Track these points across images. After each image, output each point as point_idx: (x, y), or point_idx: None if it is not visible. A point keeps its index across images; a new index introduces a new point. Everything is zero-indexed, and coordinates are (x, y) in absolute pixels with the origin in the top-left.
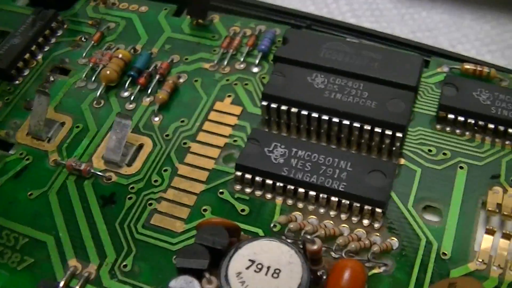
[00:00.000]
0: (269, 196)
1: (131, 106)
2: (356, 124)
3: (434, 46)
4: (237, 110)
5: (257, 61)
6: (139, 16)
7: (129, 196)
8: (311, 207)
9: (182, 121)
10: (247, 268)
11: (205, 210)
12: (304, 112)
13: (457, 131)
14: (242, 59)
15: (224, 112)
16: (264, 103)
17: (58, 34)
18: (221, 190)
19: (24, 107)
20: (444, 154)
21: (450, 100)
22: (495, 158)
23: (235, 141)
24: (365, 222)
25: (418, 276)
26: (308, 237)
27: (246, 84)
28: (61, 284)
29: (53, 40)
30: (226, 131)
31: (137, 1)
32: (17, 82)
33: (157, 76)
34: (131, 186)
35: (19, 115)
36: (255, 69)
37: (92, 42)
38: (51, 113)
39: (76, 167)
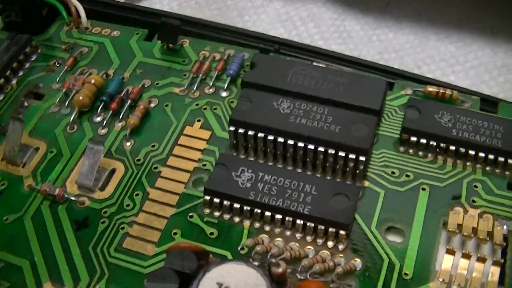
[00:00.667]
0: (237, 219)
1: (104, 131)
2: (321, 149)
3: (400, 68)
4: (206, 134)
5: (225, 86)
6: (111, 40)
7: (102, 220)
8: (277, 230)
9: (153, 146)
10: None
11: (175, 233)
12: (271, 137)
13: (420, 153)
14: (211, 84)
15: (193, 137)
16: (232, 128)
17: (32, 59)
18: (190, 214)
19: None
20: (407, 176)
21: (412, 123)
22: (456, 179)
23: (204, 165)
24: (330, 244)
25: None
26: (273, 260)
27: (215, 109)
28: None
29: (27, 65)
30: (196, 155)
31: (110, 25)
32: None
33: (129, 101)
34: (104, 210)
35: None
36: (224, 94)
37: (66, 67)
38: (26, 138)
39: (50, 192)
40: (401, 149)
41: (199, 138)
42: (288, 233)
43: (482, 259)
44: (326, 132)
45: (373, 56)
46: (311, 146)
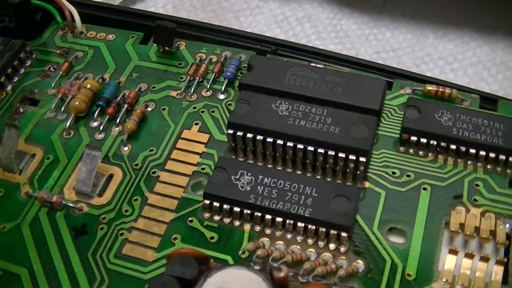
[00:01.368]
0: (237, 223)
1: (101, 136)
2: (320, 150)
3: (398, 66)
4: (204, 137)
5: (223, 88)
6: (107, 44)
7: (100, 226)
8: (278, 233)
9: (151, 150)
10: None
11: (175, 238)
12: (269, 140)
13: (420, 152)
14: (208, 86)
15: (191, 140)
16: (230, 131)
17: (27, 64)
18: (190, 219)
19: None
20: (408, 176)
21: (412, 122)
22: (457, 178)
23: (203, 169)
24: (332, 246)
25: None
26: (275, 265)
27: (213, 112)
28: None
29: (22, 71)
30: (194, 159)
31: (105, 29)
32: None
33: (125, 106)
34: (103, 216)
35: None
36: (221, 96)
37: (61, 72)
38: (22, 145)
39: (48, 199)
40: (401, 149)
41: (197, 142)
42: (289, 236)
43: (485, 259)
44: (325, 133)
45: (370, 56)
46: (310, 148)
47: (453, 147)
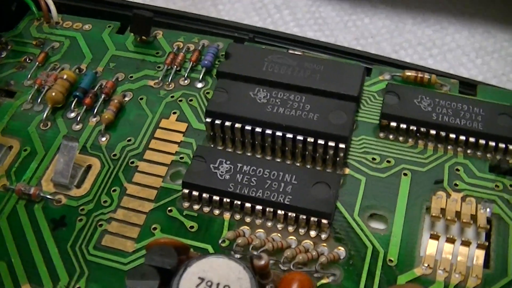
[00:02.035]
0: (217, 212)
1: (78, 127)
2: (300, 137)
3: (377, 53)
4: (183, 126)
5: (200, 77)
6: (83, 34)
7: (79, 218)
8: (258, 221)
9: (129, 140)
10: (197, 286)
11: (154, 228)
12: (248, 127)
13: (400, 138)
14: (186, 75)
15: (170, 130)
16: (208, 119)
17: (2, 56)
18: (169, 208)
19: None
20: (388, 161)
21: (391, 108)
22: (438, 163)
23: (181, 158)
24: (312, 233)
25: (366, 284)
26: (255, 253)
27: (191, 100)
28: None
29: None
30: (173, 148)
31: (81, 19)
32: None
33: (103, 96)
34: (81, 207)
35: None
36: (199, 85)
37: (37, 63)
38: None
39: (26, 192)
40: (381, 135)
41: (176, 131)
42: (269, 224)
43: (466, 243)
44: (304, 120)
45: (349, 42)
46: (289, 135)
47: (433, 132)
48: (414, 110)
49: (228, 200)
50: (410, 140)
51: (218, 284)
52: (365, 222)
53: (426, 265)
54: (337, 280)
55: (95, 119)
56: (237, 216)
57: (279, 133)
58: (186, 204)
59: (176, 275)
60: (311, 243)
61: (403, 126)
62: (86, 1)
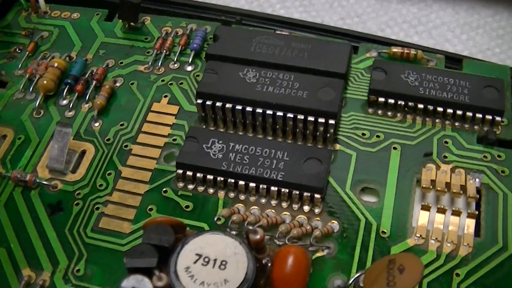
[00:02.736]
0: (211, 191)
1: (71, 114)
2: (290, 115)
3: (363, 31)
4: (174, 109)
5: (190, 60)
6: (72, 23)
7: (76, 202)
8: (252, 198)
9: (122, 125)
10: (195, 262)
11: (150, 209)
12: (239, 107)
13: (389, 113)
14: (175, 59)
15: (161, 113)
16: (199, 101)
17: None
18: (164, 189)
19: None
20: (378, 136)
21: (379, 84)
22: (426, 136)
23: (174, 140)
24: (306, 208)
25: (360, 256)
26: (251, 228)
27: (181, 83)
28: None
29: None
30: (165, 131)
31: (69, 8)
32: None
33: (94, 82)
34: (77, 192)
35: None
36: (189, 68)
37: (27, 52)
38: None
39: (22, 178)
40: (370, 110)
41: (167, 114)
42: (263, 200)
43: (457, 213)
44: (293, 98)
45: (335, 22)
46: (279, 113)
47: (420, 106)
48: (401, 85)
49: (222, 178)
50: (398, 114)
51: (215, 260)
52: (357, 196)
53: (419, 235)
54: (331, 253)
55: (87, 105)
56: (231, 194)
57: (269, 112)
58: (180, 185)
59: (174, 252)
60: (305, 217)
61: (391, 101)
62: None
